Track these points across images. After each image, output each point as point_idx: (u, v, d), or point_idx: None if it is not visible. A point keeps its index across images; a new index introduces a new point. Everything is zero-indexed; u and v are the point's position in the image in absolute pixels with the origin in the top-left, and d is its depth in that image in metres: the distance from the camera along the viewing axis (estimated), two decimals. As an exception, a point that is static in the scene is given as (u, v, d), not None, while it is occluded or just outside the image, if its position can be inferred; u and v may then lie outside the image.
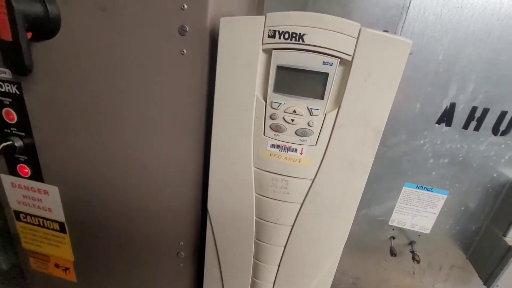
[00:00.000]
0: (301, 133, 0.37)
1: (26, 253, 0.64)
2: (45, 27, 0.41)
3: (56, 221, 0.57)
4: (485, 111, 0.53)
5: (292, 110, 0.36)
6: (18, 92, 0.47)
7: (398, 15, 0.52)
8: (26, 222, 0.60)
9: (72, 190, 0.53)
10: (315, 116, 0.36)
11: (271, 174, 0.40)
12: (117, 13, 0.39)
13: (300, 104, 0.35)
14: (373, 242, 0.67)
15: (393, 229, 0.66)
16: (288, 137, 0.37)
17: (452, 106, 0.54)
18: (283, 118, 0.36)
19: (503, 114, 0.52)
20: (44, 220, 0.58)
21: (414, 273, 0.70)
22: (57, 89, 0.45)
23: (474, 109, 0.53)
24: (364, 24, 0.55)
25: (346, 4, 0.53)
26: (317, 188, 0.39)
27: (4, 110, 0.49)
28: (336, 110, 0.35)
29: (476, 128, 0.54)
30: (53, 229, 0.59)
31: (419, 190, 0.61)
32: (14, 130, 0.50)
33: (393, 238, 0.66)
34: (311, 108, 0.35)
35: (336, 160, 0.37)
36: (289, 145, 0.37)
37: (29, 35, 0.39)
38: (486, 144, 0.55)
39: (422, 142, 0.57)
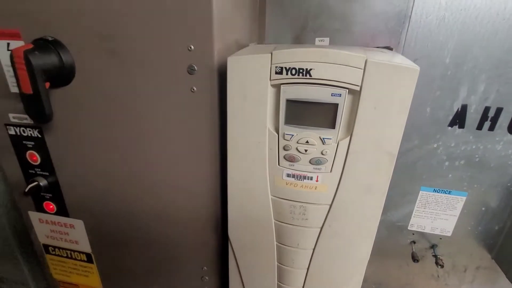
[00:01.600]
0: (315, 162, 0.37)
1: (57, 283, 0.66)
2: (61, 76, 0.42)
3: (83, 252, 0.60)
4: (499, 111, 0.52)
5: (305, 141, 0.36)
6: (39, 136, 0.49)
7: (400, 24, 0.52)
8: (55, 255, 0.62)
9: (97, 223, 0.55)
10: (328, 145, 0.36)
11: (288, 201, 0.40)
12: (128, 56, 0.40)
13: (312, 134, 0.36)
14: (394, 247, 0.67)
15: (413, 234, 0.65)
16: (302, 166, 0.38)
17: (464, 108, 0.53)
18: (296, 148, 0.37)
19: (518, 111, 0.51)
20: (72, 252, 0.60)
21: (438, 276, 0.69)
22: (76, 130, 0.47)
23: (487, 109, 0.52)
24: (367, 37, 0.55)
25: (347, 19, 0.53)
26: (335, 212, 0.40)
27: (28, 152, 0.51)
28: (349, 137, 0.35)
29: (491, 128, 0.53)
30: (80, 260, 0.61)
31: (436, 193, 0.61)
32: (38, 171, 0.52)
33: (414, 242, 0.66)
34: (323, 138, 0.36)
35: (352, 185, 0.38)
36: (304, 173, 0.38)
37: (47, 84, 0.41)
38: (503, 143, 0.54)
39: (435, 145, 0.57)
